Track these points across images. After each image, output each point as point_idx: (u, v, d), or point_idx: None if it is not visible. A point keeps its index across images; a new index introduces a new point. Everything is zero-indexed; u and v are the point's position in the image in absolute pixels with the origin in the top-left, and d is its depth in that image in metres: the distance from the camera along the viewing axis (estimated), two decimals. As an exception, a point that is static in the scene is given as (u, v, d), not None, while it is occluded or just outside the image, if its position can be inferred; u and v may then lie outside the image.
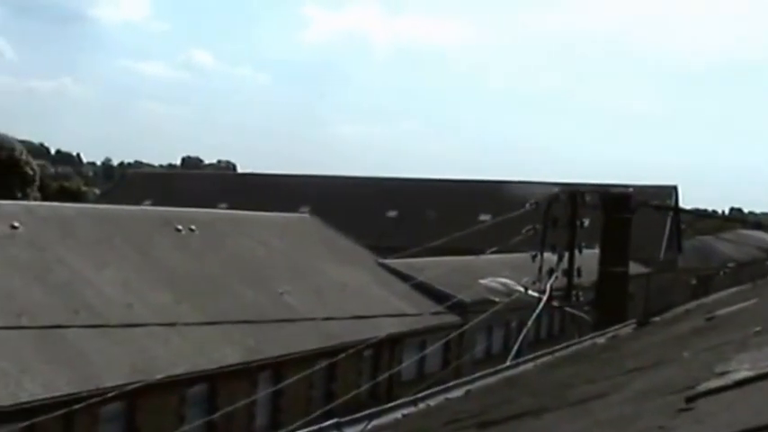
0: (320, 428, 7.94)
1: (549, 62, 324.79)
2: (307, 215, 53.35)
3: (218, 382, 28.91)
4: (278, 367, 30.88)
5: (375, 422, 8.20)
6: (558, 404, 5.50)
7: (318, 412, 19.73)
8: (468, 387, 9.97)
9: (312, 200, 71.40)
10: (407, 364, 36.74)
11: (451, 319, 38.52)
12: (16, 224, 30.74)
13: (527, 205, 20.84)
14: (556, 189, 21.52)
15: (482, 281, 23.08)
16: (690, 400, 3.65)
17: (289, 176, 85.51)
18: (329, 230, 48.75)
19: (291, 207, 60.10)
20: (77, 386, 23.70)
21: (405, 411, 8.82)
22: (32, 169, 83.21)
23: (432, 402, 9.20)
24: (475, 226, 34.84)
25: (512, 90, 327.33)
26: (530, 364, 11.35)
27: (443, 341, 34.18)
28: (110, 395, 19.87)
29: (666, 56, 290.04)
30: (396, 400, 9.35)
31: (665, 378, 5.09)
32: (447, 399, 9.42)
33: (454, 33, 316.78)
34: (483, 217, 65.03)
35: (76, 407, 19.70)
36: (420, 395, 9.25)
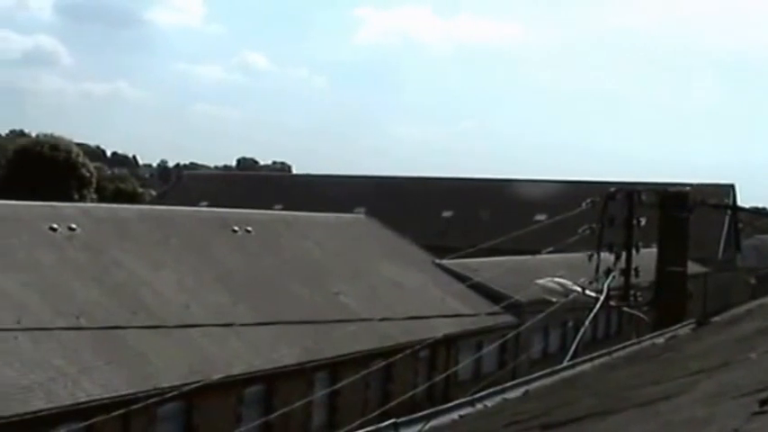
0: (377, 429, 7.86)
1: (606, 60, 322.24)
2: (362, 215, 53.34)
3: (274, 382, 28.96)
4: (334, 368, 30.87)
5: (433, 423, 8.11)
6: (624, 405, 5.40)
7: (375, 413, 19.71)
8: (526, 387, 9.85)
9: (367, 200, 71.36)
10: (464, 364, 36.61)
11: (508, 319, 38.34)
12: (74, 226, 30.99)
13: (583, 205, 20.67)
14: (612, 188, 21.28)
15: (538, 281, 22.93)
16: (764, 402, 3.55)
17: (344, 177, 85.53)
18: (385, 231, 48.70)
19: (347, 208, 60.08)
20: (135, 386, 23.83)
21: (462, 412, 8.72)
22: (89, 171, 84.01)
23: (489, 403, 9.08)
24: (530, 226, 34.58)
25: (567, 89, 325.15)
26: (587, 365, 11.21)
27: (500, 341, 34.04)
28: (167, 395, 19.99)
29: (723, 52, 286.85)
30: (452, 400, 9.25)
31: (734, 380, 4.98)
32: (505, 399, 9.31)
33: (509, 32, 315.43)
34: (538, 217, 64.66)
35: (134, 407, 19.85)
36: (477, 396, 9.14)
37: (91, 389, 23.14)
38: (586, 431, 4.98)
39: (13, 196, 61.83)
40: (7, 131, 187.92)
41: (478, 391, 9.27)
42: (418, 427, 8.05)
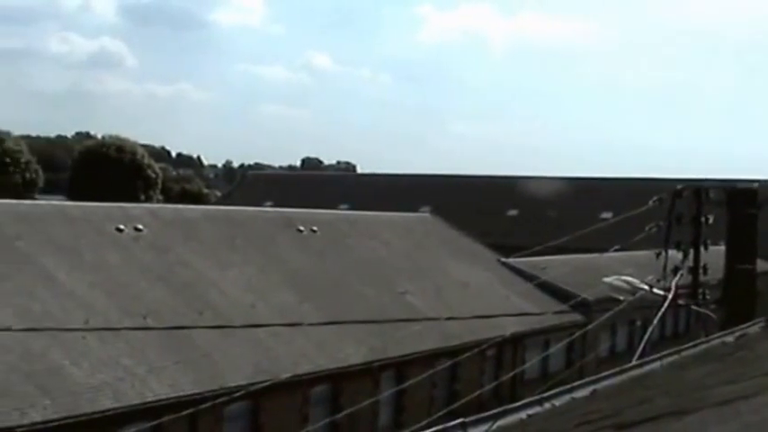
0: (445, 428, 7.77)
1: (670, 56, 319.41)
2: (427, 214, 53.22)
3: (341, 381, 28.96)
4: (400, 367, 30.81)
5: (500, 422, 8.01)
6: (699, 405, 5.27)
7: (442, 412, 19.60)
8: (595, 387, 9.70)
9: (433, 199, 71.26)
10: (531, 363, 36.39)
11: (575, 317, 38.03)
12: (140, 227, 31.23)
13: (650, 202, 20.40)
14: (679, 185, 20.99)
15: (606, 279, 22.70)
16: None
17: (409, 176, 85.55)
18: (450, 229, 48.56)
19: (412, 207, 60.10)
20: (202, 386, 23.94)
21: (530, 411, 8.60)
22: (155, 172, 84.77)
23: (557, 402, 8.96)
24: (596, 224, 34.28)
25: (631, 85, 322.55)
26: (657, 364, 11.02)
27: (567, 340, 33.82)
28: (234, 395, 20.03)
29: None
30: (519, 399, 9.13)
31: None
32: (573, 399, 9.17)
33: (570, 29, 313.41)
34: (605, 214, 64.18)
35: (202, 406, 19.91)
36: (545, 395, 9.01)
37: (158, 388, 23.28)
38: (662, 431, 4.86)
39: (80, 197, 62.72)
40: (73, 133, 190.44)
41: (546, 391, 9.15)
42: (486, 426, 7.95)
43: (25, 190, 75.65)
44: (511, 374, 34.17)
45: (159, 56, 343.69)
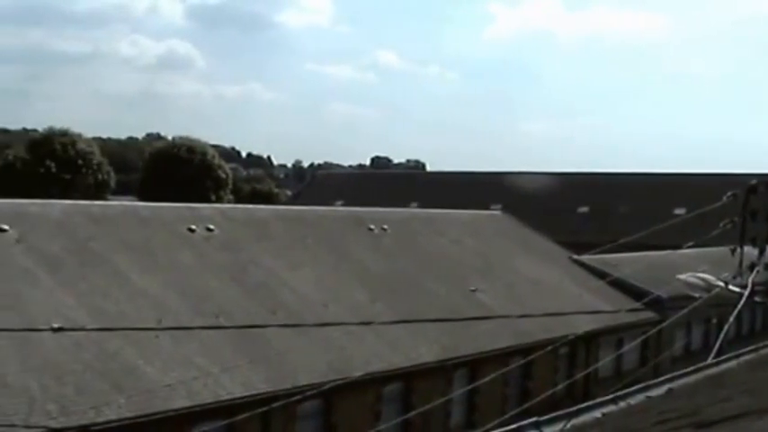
0: (519, 427, 7.70)
1: (745, 49, 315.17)
2: (498, 212, 52.99)
3: (413, 379, 28.90)
4: (473, 365, 30.67)
5: (575, 421, 7.92)
6: (782, 404, 5.14)
7: (515, 411, 19.49)
8: (670, 385, 9.57)
9: (503, 197, 70.97)
10: (605, 361, 36.09)
11: (649, 315, 37.61)
12: (212, 227, 31.42)
13: (724, 198, 20.09)
14: (754, 180, 20.63)
15: (680, 276, 22.46)
16: None
17: (479, 174, 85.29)
18: (521, 227, 48.34)
19: (482, 204, 59.88)
20: (275, 385, 24.01)
21: (605, 410, 8.51)
22: (225, 173, 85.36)
23: (632, 401, 8.85)
24: (669, 220, 33.84)
25: (704, 79, 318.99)
26: (734, 362, 10.86)
27: (641, 338, 33.43)
28: (307, 394, 20.07)
29: None
30: (593, 398, 9.03)
31: None
32: (649, 397, 9.06)
33: (641, 23, 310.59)
34: (678, 211, 63.45)
35: (275, 405, 19.98)
36: (620, 393, 8.90)
37: (231, 387, 23.37)
38: (743, 430, 4.75)
39: (151, 198, 63.32)
40: (144, 135, 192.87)
41: (621, 389, 9.03)
42: (560, 425, 7.86)
43: (97, 191, 76.56)
44: (584, 373, 33.89)
45: (228, 57, 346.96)
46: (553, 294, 38.15)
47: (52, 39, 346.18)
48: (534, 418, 7.65)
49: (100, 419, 20.23)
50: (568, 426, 7.61)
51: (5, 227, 25.67)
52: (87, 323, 23.09)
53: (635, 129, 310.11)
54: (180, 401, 21.98)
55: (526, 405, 19.68)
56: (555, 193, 76.02)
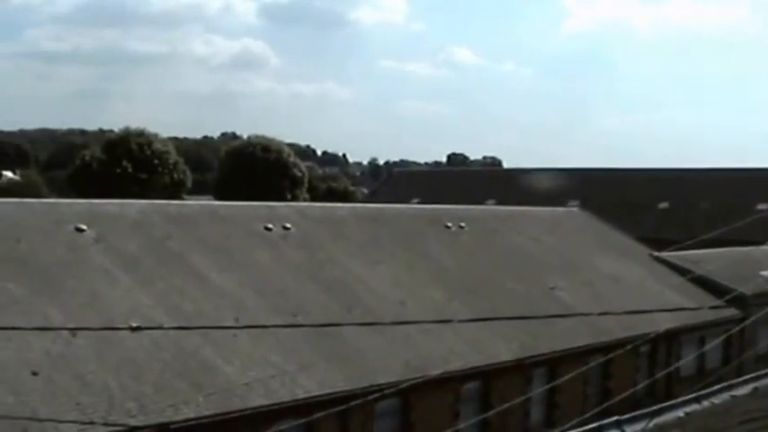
0: (600, 426, 7.49)
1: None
2: (576, 209, 52.53)
3: (491, 378, 28.68)
4: (552, 364, 30.36)
5: (657, 420, 7.70)
6: None
7: (595, 410, 19.20)
8: (756, 384, 9.30)
9: (581, 193, 70.39)
10: (687, 360, 35.55)
11: (731, 313, 36.95)
12: (288, 225, 31.47)
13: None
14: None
15: (763, 272, 22.01)
16: None
17: (555, 170, 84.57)
18: (600, 224, 47.84)
19: (560, 201, 59.46)
20: (353, 383, 23.94)
21: (688, 409, 8.27)
22: (301, 171, 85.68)
23: (716, 400, 8.60)
24: (752, 216, 33.29)
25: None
26: (822, 360, 10.51)
27: (724, 336, 32.90)
28: (385, 392, 19.96)
29: None
30: (675, 397, 8.79)
31: None
32: (733, 397, 8.79)
33: (719, 16, 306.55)
34: (760, 206, 62.55)
35: (353, 403, 19.90)
36: (703, 392, 8.65)
37: (309, 385, 23.35)
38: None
39: (227, 197, 63.81)
40: (219, 134, 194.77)
41: (704, 388, 8.78)
42: (642, 424, 7.66)
43: (173, 191, 77.22)
44: (666, 371, 33.40)
45: (302, 55, 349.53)
46: (633, 292, 37.67)
47: (127, 39, 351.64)
48: (615, 417, 7.48)
49: (178, 417, 20.35)
50: (650, 425, 7.39)
51: (83, 227, 25.94)
52: (165, 322, 23.25)
53: (715, 122, 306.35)
54: (257, 400, 22.01)
55: (607, 404, 19.43)
56: (634, 189, 75.16)
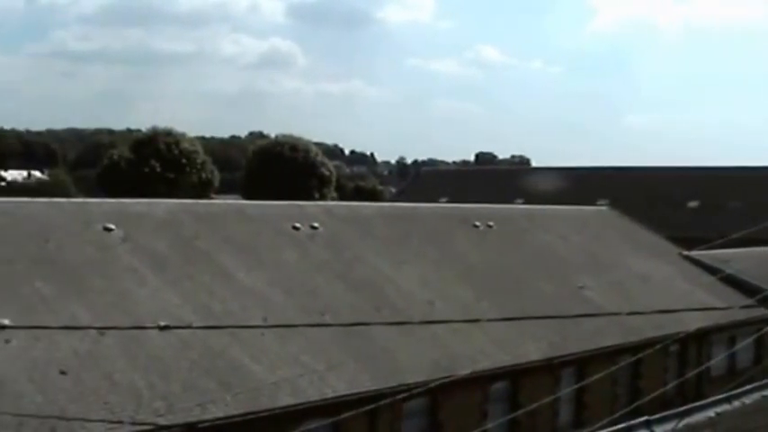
0: (629, 426, 7.41)
1: None
2: (605, 208, 52.31)
3: (520, 378, 28.58)
4: (581, 363, 30.24)
5: (687, 420, 7.60)
6: None
7: (625, 410, 19.10)
8: (789, 384, 9.16)
9: (609, 192, 70.10)
10: (717, 360, 35.32)
11: (762, 312, 36.65)
12: (316, 224, 31.46)
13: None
14: None
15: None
16: None
17: (584, 169, 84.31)
18: (629, 222, 47.61)
19: (589, 200, 59.20)
20: (381, 383, 23.90)
21: (718, 409, 8.17)
22: (329, 170, 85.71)
23: (747, 400, 8.50)
24: (782, 214, 33.01)
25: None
26: None
27: (755, 336, 32.70)
28: (414, 391, 19.91)
29: None
30: (706, 397, 8.69)
31: None
32: (764, 397, 8.68)
33: (747, 13, 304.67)
34: (792, 205, 62.00)
35: (381, 403, 19.86)
36: (734, 392, 8.54)
37: (337, 385, 23.33)
38: None
39: (255, 196, 63.88)
40: (247, 133, 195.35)
41: (734, 388, 8.68)
42: (672, 424, 7.58)
43: (201, 190, 77.41)
44: (696, 371, 33.22)
45: (329, 54, 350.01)
46: (663, 291, 37.49)
47: (154, 39, 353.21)
48: (645, 417, 7.40)
49: (206, 417, 20.36)
50: (680, 425, 7.31)
51: (111, 226, 26.01)
52: (193, 321, 23.29)
53: (744, 121, 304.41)
54: (285, 399, 22.00)
55: (636, 404, 19.31)
56: (664, 188, 74.82)
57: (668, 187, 75.10)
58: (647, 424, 7.40)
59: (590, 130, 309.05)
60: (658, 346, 24.01)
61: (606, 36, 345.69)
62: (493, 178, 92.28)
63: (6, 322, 19.95)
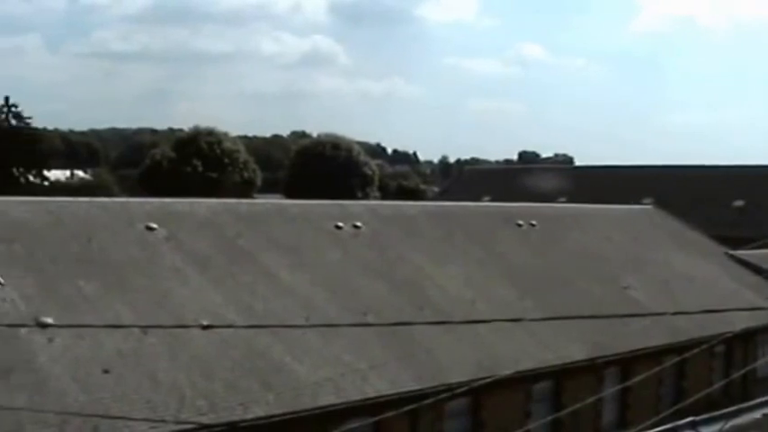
0: (675, 427, 7.28)
1: None
2: (649, 206, 51.90)
3: (563, 378, 28.41)
4: (624, 364, 30.02)
5: (733, 421, 7.46)
6: None
7: (669, 411, 18.90)
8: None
9: (654, 191, 69.52)
10: (763, 360, 34.97)
11: (810, 312, 36.28)
12: (359, 224, 31.41)
13: None
14: None
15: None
16: None
17: (628, 168, 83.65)
18: (673, 222, 47.20)
19: (633, 199, 58.72)
20: (423, 382, 23.83)
21: (765, 410, 8.00)
22: (371, 169, 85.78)
23: (796, 402, 8.31)
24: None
25: None
26: None
27: (802, 336, 32.33)
28: (456, 392, 19.81)
29: None
30: (752, 398, 8.53)
31: None
32: (814, 398, 8.50)
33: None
34: (840, 204, 61.32)
35: (423, 403, 19.79)
36: (783, 394, 8.37)
37: (379, 384, 23.28)
38: None
39: (297, 195, 64.00)
40: (289, 132, 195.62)
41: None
42: (718, 425, 7.45)
43: (244, 189, 77.69)
44: (742, 372, 32.89)
45: (371, 53, 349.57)
46: (708, 290, 37.17)
47: (195, 38, 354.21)
48: (690, 418, 7.28)
49: (248, 416, 20.42)
50: (727, 426, 7.18)
51: (154, 226, 26.10)
52: (236, 320, 23.34)
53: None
54: (327, 399, 21.99)
55: (681, 405, 19.14)
56: (708, 187, 74.12)
57: (713, 186, 74.36)
58: (693, 425, 7.27)
59: (634, 129, 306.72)
60: (704, 347, 23.72)
61: (650, 34, 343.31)
62: (536, 177, 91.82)
63: (50, 321, 20.11)
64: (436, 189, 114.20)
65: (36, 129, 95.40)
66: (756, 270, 39.47)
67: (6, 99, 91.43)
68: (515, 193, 64.25)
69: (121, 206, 28.15)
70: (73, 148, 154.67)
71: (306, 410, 21.34)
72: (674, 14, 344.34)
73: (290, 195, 74.04)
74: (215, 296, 24.18)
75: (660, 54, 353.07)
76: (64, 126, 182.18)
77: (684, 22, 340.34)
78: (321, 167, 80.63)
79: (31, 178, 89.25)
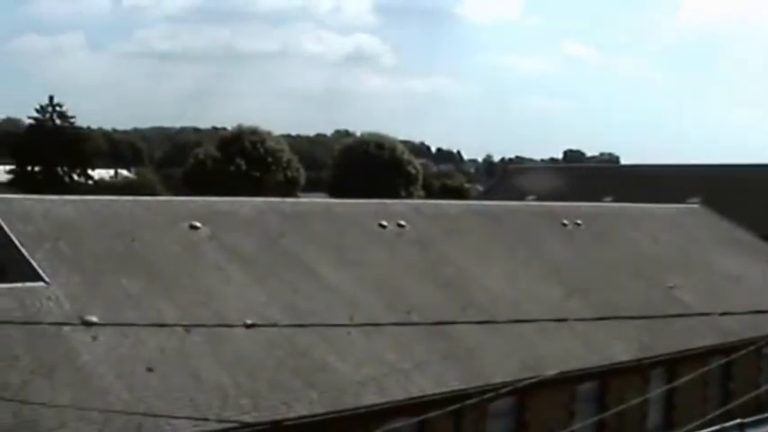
0: (722, 428, 7.11)
1: None
2: (697, 206, 51.39)
3: (608, 378, 28.18)
4: (671, 364, 29.74)
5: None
6: None
7: (716, 412, 18.67)
8: None
9: (701, 190, 68.88)
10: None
11: None
12: (403, 223, 31.34)
13: None
14: None
15: None
16: None
17: (675, 166, 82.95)
18: (721, 221, 46.70)
19: (680, 198, 58.20)
20: (467, 382, 23.75)
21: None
22: (415, 168, 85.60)
23: None
24: None
25: None
26: None
27: None
28: (500, 391, 19.67)
29: None
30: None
31: None
32: None
33: None
34: None
35: (468, 402, 19.66)
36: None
37: (423, 384, 23.21)
38: None
39: (341, 194, 63.95)
40: (332, 131, 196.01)
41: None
42: (766, 428, 7.26)
43: (287, 188, 77.78)
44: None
45: (414, 51, 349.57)
46: (757, 291, 36.73)
47: (238, 38, 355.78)
48: (738, 420, 7.10)
49: (291, 415, 20.43)
50: (777, 430, 6.99)
51: (198, 224, 26.18)
52: (279, 319, 23.33)
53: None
54: (371, 398, 21.95)
55: (728, 406, 18.91)
56: (758, 186, 73.33)
57: (762, 186, 73.60)
58: (741, 427, 7.08)
59: (682, 127, 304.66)
60: (751, 348, 23.44)
61: (699, 31, 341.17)
62: (581, 176, 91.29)
63: (94, 319, 20.19)
64: (480, 188, 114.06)
65: (80, 128, 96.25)
66: (805, 270, 38.97)
67: (51, 98, 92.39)
68: (560, 192, 63.97)
69: (165, 205, 28.26)
70: (117, 147, 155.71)
71: (349, 410, 21.31)
72: (723, 11, 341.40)
73: (333, 194, 74.07)
74: (258, 295, 24.20)
75: (708, 51, 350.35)
76: (107, 125, 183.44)
77: (735, 18, 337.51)
78: (365, 166, 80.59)
79: (76, 177, 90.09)
